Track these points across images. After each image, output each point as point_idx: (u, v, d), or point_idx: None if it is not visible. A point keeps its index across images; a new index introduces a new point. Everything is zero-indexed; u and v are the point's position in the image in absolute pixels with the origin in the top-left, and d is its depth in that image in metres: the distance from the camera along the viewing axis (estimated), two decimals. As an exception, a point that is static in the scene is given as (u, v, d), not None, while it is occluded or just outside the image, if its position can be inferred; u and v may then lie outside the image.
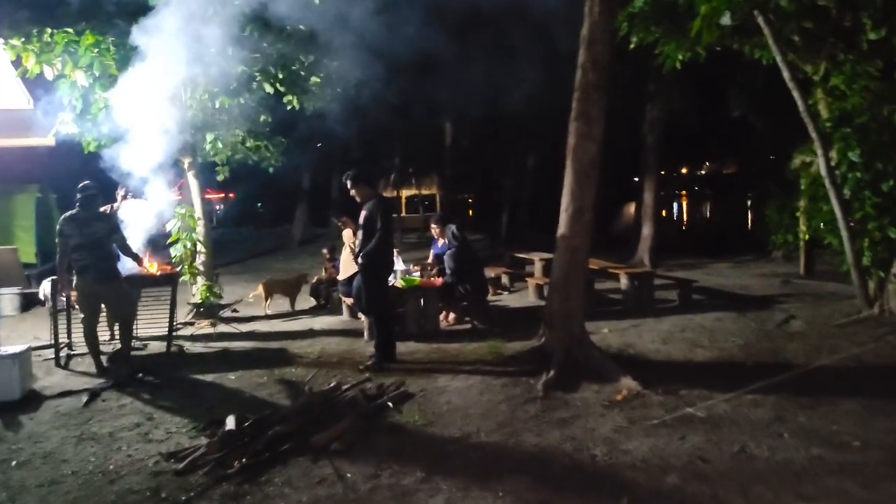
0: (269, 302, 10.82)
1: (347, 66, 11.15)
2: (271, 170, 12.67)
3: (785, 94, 16.29)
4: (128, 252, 7.44)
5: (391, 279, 8.22)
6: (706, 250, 18.86)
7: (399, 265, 9.42)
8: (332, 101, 12.06)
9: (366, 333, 8.42)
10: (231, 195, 39.84)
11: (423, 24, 14.02)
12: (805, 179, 9.81)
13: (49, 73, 8.81)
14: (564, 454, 4.71)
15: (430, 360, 7.42)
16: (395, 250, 8.34)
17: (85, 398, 6.26)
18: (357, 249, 7.38)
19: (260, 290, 10.90)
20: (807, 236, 13.10)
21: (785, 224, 15.78)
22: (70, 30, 8.78)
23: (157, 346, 8.27)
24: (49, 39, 8.64)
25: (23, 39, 8.64)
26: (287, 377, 6.91)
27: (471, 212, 35.78)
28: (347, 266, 9.14)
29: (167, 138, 8.86)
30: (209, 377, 6.99)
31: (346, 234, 9.20)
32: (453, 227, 9.55)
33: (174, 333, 8.49)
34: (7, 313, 10.91)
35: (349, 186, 7.39)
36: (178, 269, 9.32)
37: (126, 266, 7.68)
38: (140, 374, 6.98)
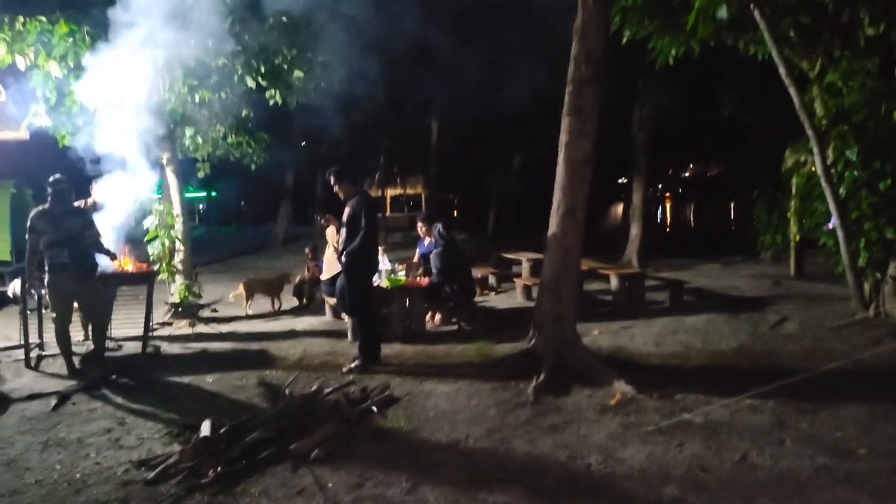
0: (249, 302, 10.53)
1: (331, 61, 10.90)
2: (253, 167, 12.37)
3: (776, 93, 16.23)
4: (101, 249, 7.14)
5: (376, 279, 7.96)
6: (693, 251, 18.74)
7: (384, 264, 9.16)
8: (316, 96, 11.80)
9: (349, 334, 8.16)
10: (213, 193, 39.39)
11: (409, 20, 13.80)
12: (800, 179, 9.65)
13: (21, 63, 8.50)
14: (558, 463, 4.48)
15: (415, 363, 7.17)
16: (379, 249, 8.08)
17: (54, 401, 5.96)
18: (340, 248, 7.12)
19: (241, 289, 10.60)
20: (797, 237, 12.95)
21: (774, 225, 15.71)
22: (43, 18, 8.47)
23: (132, 347, 7.97)
24: (21, 28, 8.34)
25: (-6, 27, 8.31)
26: (267, 380, 6.63)
27: (455, 212, 35.56)
28: (331, 265, 8.88)
29: (145, 132, 8.62)
30: (186, 379, 6.71)
31: (330, 232, 8.92)
32: (440, 226, 9.31)
33: (151, 334, 8.19)
34: (-23, 312, 10.56)
35: (332, 183, 7.13)
36: (156, 267, 9.02)
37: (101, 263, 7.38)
38: (113, 376, 6.68)
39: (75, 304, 7.01)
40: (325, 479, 4.29)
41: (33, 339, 7.48)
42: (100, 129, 8.13)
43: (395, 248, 20.39)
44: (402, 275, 9.18)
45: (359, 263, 6.93)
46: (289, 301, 11.03)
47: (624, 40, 9.26)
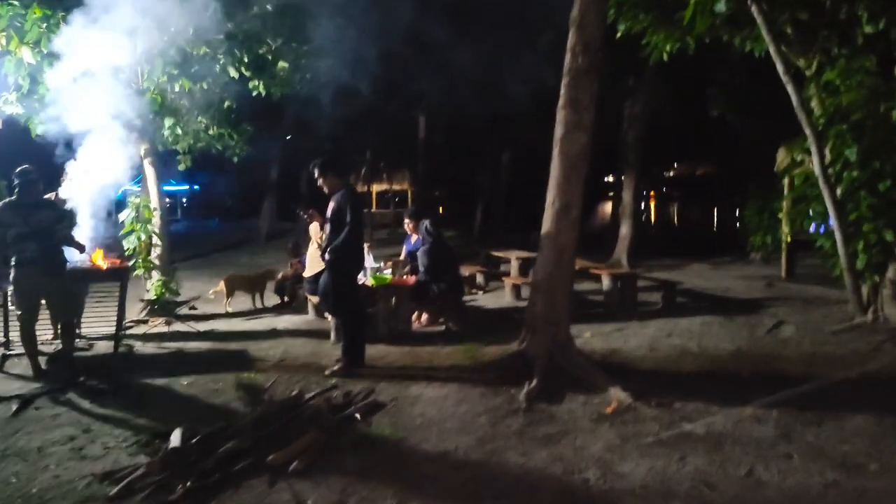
0: (230, 299, 10.19)
1: (317, 52, 10.59)
2: (236, 159, 12.00)
3: (765, 93, 16.10)
4: (72, 243, 6.79)
5: (361, 277, 7.65)
6: (681, 251, 18.52)
7: (370, 262, 8.84)
8: (302, 88, 11.48)
9: (332, 335, 7.84)
10: (196, 187, 38.86)
11: (397, 11, 13.49)
12: (797, 178, 9.40)
13: (-7, 49, 8.11)
14: (553, 478, 4.19)
15: (402, 365, 6.87)
16: (365, 246, 7.77)
17: (15, 406, 5.60)
18: (324, 244, 6.80)
19: (221, 286, 10.26)
20: (789, 238, 12.75)
21: (764, 225, 15.54)
22: (16, 2, 8.07)
23: (104, 347, 7.61)
24: (-7, 12, 7.94)
25: (-37, 12, 7.92)
26: (245, 383, 6.31)
27: (442, 209, 35.21)
28: (314, 262, 8.56)
29: (121, 122, 8.27)
30: (159, 382, 6.37)
31: (313, 227, 8.61)
32: (427, 223, 9.01)
33: (124, 332, 7.85)
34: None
35: (316, 176, 6.80)
36: (131, 262, 8.66)
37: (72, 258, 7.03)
38: (82, 378, 6.32)
39: (43, 302, 6.64)
40: (305, 494, 3.99)
41: (-2, 338, 7.12)
42: (74, 118, 7.77)
43: (381, 244, 20.05)
44: (388, 273, 8.87)
45: (343, 260, 6.61)
46: (271, 298, 10.70)
47: (618, 34, 8.99)
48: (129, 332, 8.37)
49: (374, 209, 30.66)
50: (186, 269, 15.01)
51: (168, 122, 9.67)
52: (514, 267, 12.04)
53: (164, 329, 8.56)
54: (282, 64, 10.40)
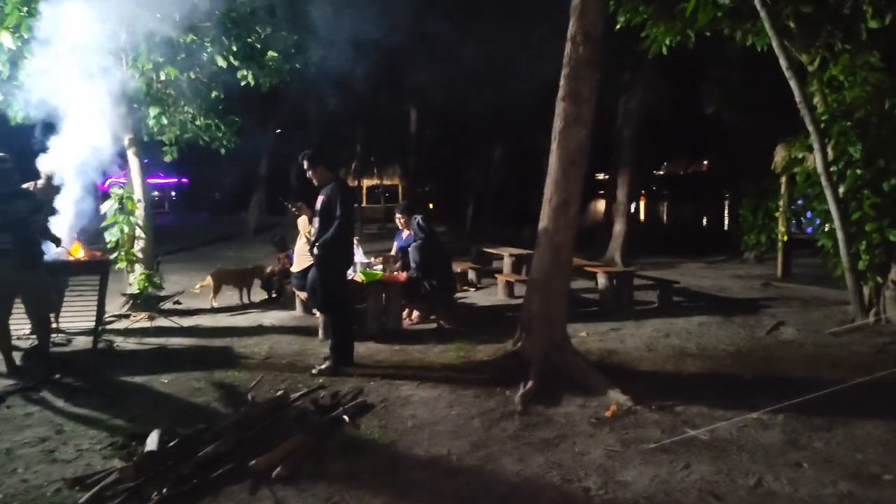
0: (216, 294, 9.92)
1: (307, 42, 10.33)
2: (223, 151, 11.69)
3: (763, 90, 15.92)
4: (48, 235, 6.51)
5: (350, 272, 7.41)
6: (673, 250, 18.35)
7: (360, 257, 8.61)
8: (292, 80, 11.21)
9: (320, 332, 7.60)
10: (184, 180, 38.44)
11: (388, 1, 13.25)
12: (799, 176, 9.19)
13: (-30, 34, 7.78)
14: (552, 486, 3.96)
15: (392, 364, 6.63)
16: (355, 240, 7.53)
17: (-15, 404, 5.35)
18: (313, 239, 6.55)
19: (208, 280, 9.98)
20: (786, 237, 12.58)
21: (759, 224, 15.37)
22: (-5, -14, 7.77)
23: (83, 342, 7.34)
24: (-30, -4, 7.63)
25: (-62, -5, 7.61)
26: (228, 381, 6.07)
27: (432, 204, 34.92)
28: (302, 257, 8.30)
29: (105, 111, 8.00)
30: (139, 379, 6.11)
31: (302, 221, 8.35)
32: (419, 218, 8.78)
33: (105, 327, 7.58)
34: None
35: (306, 167, 6.54)
36: (113, 255, 8.38)
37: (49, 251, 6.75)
38: (57, 376, 6.05)
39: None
40: (288, 501, 3.76)
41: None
42: (54, 106, 7.49)
43: (371, 239, 19.81)
44: (378, 269, 8.62)
45: (332, 256, 6.37)
46: (258, 294, 10.44)
47: (618, 26, 8.76)
48: (109, 327, 8.10)
49: (364, 204, 30.38)
50: (173, 262, 14.74)
51: (153, 111, 9.37)
52: (506, 264, 11.83)
53: (147, 324, 8.30)
54: (271, 53, 10.11)
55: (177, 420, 4.94)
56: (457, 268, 10.94)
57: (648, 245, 18.83)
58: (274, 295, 10.35)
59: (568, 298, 6.47)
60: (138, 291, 8.90)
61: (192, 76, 9.77)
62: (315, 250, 6.37)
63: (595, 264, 11.05)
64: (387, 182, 31.27)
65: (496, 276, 11.60)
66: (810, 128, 7.97)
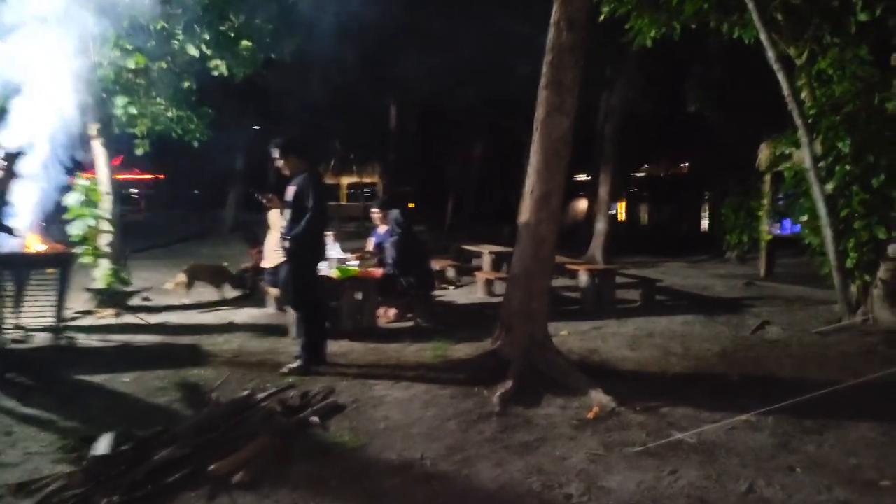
0: (189, 290, 9.59)
1: (283, 31, 10.03)
2: (195, 144, 11.34)
3: (745, 88, 15.80)
4: (1, 226, 6.18)
5: (325, 268, 7.13)
6: (654, 249, 18.23)
7: (335, 252, 8.34)
8: (267, 70, 10.91)
9: (292, 330, 7.30)
10: (161, 176, 37.87)
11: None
12: (787, 172, 9.02)
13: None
14: (531, 493, 3.72)
15: (365, 364, 6.36)
16: (330, 234, 7.26)
17: (-70, 405, 5.01)
18: (283, 232, 6.25)
19: (181, 276, 9.65)
20: (769, 236, 12.45)
21: (741, 223, 15.28)
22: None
23: (44, 339, 6.96)
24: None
25: None
26: (193, 380, 5.77)
27: (413, 203, 34.59)
28: (274, 252, 8.00)
29: (69, 99, 7.67)
30: (98, 378, 5.79)
31: (273, 214, 8.05)
32: (396, 213, 8.51)
33: (66, 324, 7.24)
34: None
35: (277, 157, 6.25)
36: (74, 248, 8.03)
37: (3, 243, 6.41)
38: (12, 374, 5.72)
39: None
40: (248, 510, 3.48)
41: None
42: (15, 93, 7.15)
43: (350, 237, 19.52)
44: (354, 264, 8.35)
45: (304, 250, 6.08)
46: (231, 290, 10.12)
47: (601, 17, 8.54)
48: (73, 323, 7.75)
49: (344, 202, 30.04)
50: (146, 258, 14.38)
51: (121, 100, 9.02)
52: (486, 261, 11.59)
53: (113, 321, 7.97)
54: (245, 43, 9.79)
55: (135, 421, 4.63)
56: (436, 265, 10.71)
57: (630, 244, 18.71)
58: (247, 291, 10.04)
59: (550, 295, 6.22)
60: (104, 287, 8.56)
61: (165, 65, 9.44)
62: (285, 244, 6.09)
63: (577, 262, 10.84)
64: (367, 180, 30.90)
65: (475, 273, 11.37)
66: (798, 122, 7.80)
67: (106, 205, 8.84)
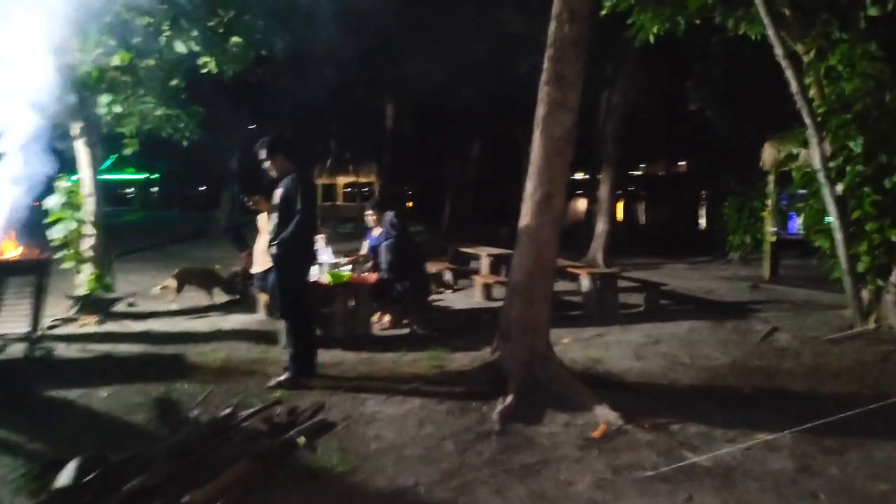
0: (178, 294, 9.27)
1: (275, 28, 9.70)
2: (185, 143, 11.02)
3: (747, 87, 15.52)
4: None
5: (314, 273, 6.80)
6: (655, 250, 17.92)
7: (326, 256, 8.02)
8: (259, 68, 10.59)
9: (282, 338, 6.97)
10: (156, 175, 37.58)
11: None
12: (796, 172, 8.70)
13: None
14: (535, 526, 3.41)
15: (358, 376, 6.04)
16: (320, 237, 6.94)
17: None
18: (271, 236, 5.93)
19: (171, 282, 9.32)
20: (774, 238, 12.15)
21: (744, 224, 15.00)
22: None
23: (20, 350, 6.64)
24: None
25: None
26: (175, 395, 5.44)
27: (409, 203, 34.24)
28: (262, 256, 7.67)
29: (50, 97, 7.35)
30: (74, 393, 5.46)
31: (262, 218, 7.72)
32: (392, 215, 8.19)
33: (45, 332, 6.92)
34: None
35: (264, 157, 5.93)
36: (51, 253, 7.70)
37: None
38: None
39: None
40: (224, 547, 3.16)
41: None
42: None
43: (345, 238, 19.20)
44: (346, 269, 8.03)
45: (292, 255, 5.76)
46: (221, 295, 9.79)
47: (603, 11, 8.21)
48: (53, 332, 7.44)
49: (340, 202, 29.74)
50: (135, 261, 14.09)
51: (105, 99, 8.69)
52: (484, 264, 11.28)
53: (95, 329, 7.65)
54: (235, 39, 9.46)
55: (109, 442, 4.34)
56: (432, 268, 10.39)
57: (628, 245, 18.40)
58: (237, 296, 9.71)
59: (552, 303, 5.91)
60: (86, 293, 8.23)
61: (153, 63, 9.11)
62: (272, 249, 5.77)
63: (577, 265, 10.53)
64: (363, 179, 30.61)
65: (473, 277, 11.06)
66: (807, 121, 7.50)
67: (89, 207, 8.50)
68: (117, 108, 8.97)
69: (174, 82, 9.89)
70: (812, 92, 8.00)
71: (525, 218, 5.66)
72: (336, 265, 8.03)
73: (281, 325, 7.06)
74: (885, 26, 7.75)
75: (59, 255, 8.15)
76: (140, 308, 9.14)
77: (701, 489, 3.76)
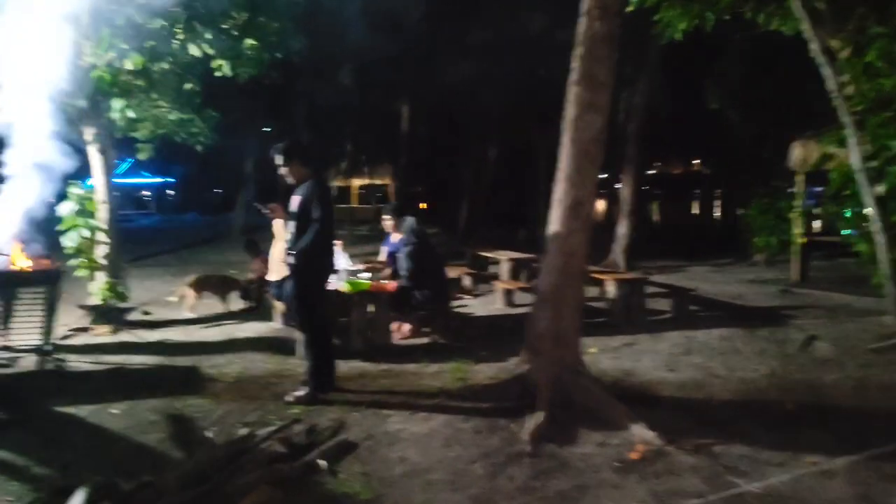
0: (195, 302, 9.07)
1: (290, 30, 9.50)
2: (200, 148, 10.83)
3: (770, 86, 15.19)
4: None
5: (332, 283, 6.56)
6: (676, 252, 17.54)
7: (344, 263, 7.78)
8: (274, 72, 10.38)
9: (300, 349, 6.74)
10: (172, 179, 37.62)
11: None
12: (834, 173, 8.38)
13: None
14: (577, 564, 3.15)
15: (378, 389, 5.79)
16: (337, 244, 6.70)
17: None
18: (288, 245, 5.70)
19: (187, 291, 9.11)
20: (804, 240, 11.81)
21: (769, 226, 14.64)
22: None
23: (32, 363, 6.42)
24: None
25: None
26: (189, 412, 5.21)
27: (424, 204, 34.00)
28: (279, 264, 7.45)
29: (62, 102, 7.20)
30: (86, 410, 5.23)
31: (277, 225, 7.50)
32: (412, 221, 7.93)
33: (58, 343, 6.72)
34: None
35: (280, 164, 5.69)
36: (62, 263, 7.51)
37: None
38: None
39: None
40: (241, 589, 2.92)
41: None
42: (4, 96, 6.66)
43: (361, 241, 19.04)
44: (365, 276, 7.79)
45: (310, 265, 5.52)
46: (237, 302, 9.58)
47: (630, 7, 7.93)
48: (65, 342, 7.24)
49: (355, 204, 29.58)
50: (150, 266, 13.93)
51: (117, 103, 8.49)
52: (504, 269, 10.98)
53: (108, 339, 7.46)
54: (249, 42, 9.26)
55: (122, 466, 4.12)
56: (452, 273, 10.12)
57: (649, 247, 18.04)
58: (253, 304, 9.50)
59: (581, 313, 5.64)
60: (100, 302, 8.04)
61: (167, 66, 8.93)
62: (289, 259, 5.53)
63: (601, 270, 10.23)
64: (378, 181, 30.43)
65: (494, 282, 10.78)
66: (844, 120, 7.19)
67: (102, 214, 8.31)
68: (131, 113, 8.77)
69: (188, 86, 9.72)
70: (849, 89, 7.68)
71: (553, 224, 5.40)
72: (354, 272, 7.80)
73: (297, 335, 6.84)
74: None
75: (71, 262, 7.96)
76: (154, 316, 8.94)
77: (753, 520, 3.49)
